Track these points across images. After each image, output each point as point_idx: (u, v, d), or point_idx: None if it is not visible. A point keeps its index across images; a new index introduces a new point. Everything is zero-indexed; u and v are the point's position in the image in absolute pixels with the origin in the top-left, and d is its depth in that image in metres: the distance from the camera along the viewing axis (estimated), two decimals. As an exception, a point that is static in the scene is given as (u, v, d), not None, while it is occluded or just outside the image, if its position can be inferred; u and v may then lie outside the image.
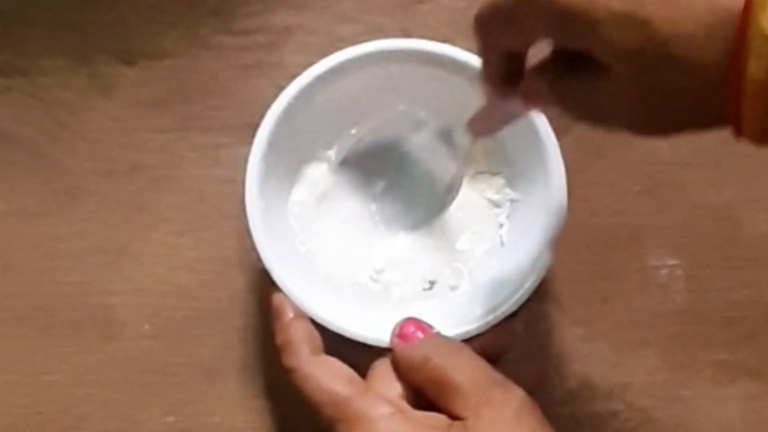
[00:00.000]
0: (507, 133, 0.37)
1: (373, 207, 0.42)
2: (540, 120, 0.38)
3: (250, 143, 0.43)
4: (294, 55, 0.44)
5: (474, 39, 0.30)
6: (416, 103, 0.41)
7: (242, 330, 0.43)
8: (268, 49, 0.44)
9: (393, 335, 0.35)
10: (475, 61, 0.38)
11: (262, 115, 0.43)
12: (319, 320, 0.37)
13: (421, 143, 0.40)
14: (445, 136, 0.38)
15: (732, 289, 0.43)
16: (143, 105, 0.44)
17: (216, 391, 0.42)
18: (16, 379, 0.42)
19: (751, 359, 0.43)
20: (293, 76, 0.38)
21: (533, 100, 0.31)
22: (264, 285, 0.42)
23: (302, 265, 0.40)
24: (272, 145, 0.38)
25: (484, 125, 0.36)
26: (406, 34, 0.44)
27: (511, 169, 0.42)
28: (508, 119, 0.35)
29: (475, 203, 0.42)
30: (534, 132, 0.38)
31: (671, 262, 0.43)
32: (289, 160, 0.41)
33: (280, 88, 0.38)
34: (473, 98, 0.35)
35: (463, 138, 0.37)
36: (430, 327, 0.35)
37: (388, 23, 0.44)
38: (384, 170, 0.41)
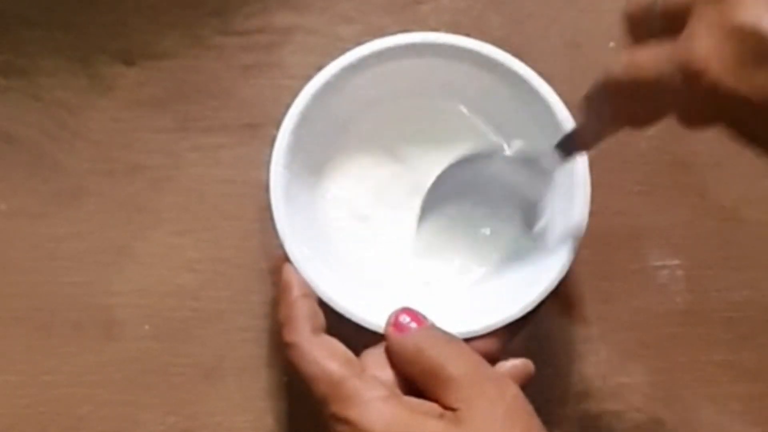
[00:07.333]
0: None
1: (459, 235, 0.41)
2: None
3: (250, 143, 0.43)
4: (294, 56, 0.44)
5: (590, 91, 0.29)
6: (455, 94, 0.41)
7: (243, 330, 0.43)
8: (268, 49, 0.44)
9: (387, 324, 0.35)
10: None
11: (261, 115, 0.43)
12: (322, 297, 0.36)
13: (505, 169, 0.39)
14: (530, 162, 0.38)
15: (732, 290, 0.43)
16: (143, 105, 0.44)
17: (216, 392, 0.42)
18: (16, 379, 0.42)
19: (751, 359, 0.43)
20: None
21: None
22: (264, 285, 0.43)
23: (320, 244, 0.40)
24: (305, 120, 0.37)
25: (579, 146, 0.35)
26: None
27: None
28: (602, 138, 0.34)
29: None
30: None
31: (671, 262, 0.43)
32: (323, 142, 0.40)
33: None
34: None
35: (550, 162, 0.36)
36: (425, 318, 0.35)
37: (388, 23, 0.44)
38: (466, 196, 0.41)
